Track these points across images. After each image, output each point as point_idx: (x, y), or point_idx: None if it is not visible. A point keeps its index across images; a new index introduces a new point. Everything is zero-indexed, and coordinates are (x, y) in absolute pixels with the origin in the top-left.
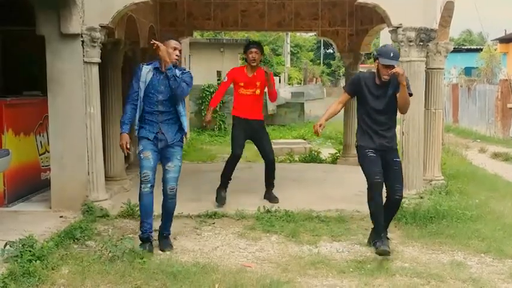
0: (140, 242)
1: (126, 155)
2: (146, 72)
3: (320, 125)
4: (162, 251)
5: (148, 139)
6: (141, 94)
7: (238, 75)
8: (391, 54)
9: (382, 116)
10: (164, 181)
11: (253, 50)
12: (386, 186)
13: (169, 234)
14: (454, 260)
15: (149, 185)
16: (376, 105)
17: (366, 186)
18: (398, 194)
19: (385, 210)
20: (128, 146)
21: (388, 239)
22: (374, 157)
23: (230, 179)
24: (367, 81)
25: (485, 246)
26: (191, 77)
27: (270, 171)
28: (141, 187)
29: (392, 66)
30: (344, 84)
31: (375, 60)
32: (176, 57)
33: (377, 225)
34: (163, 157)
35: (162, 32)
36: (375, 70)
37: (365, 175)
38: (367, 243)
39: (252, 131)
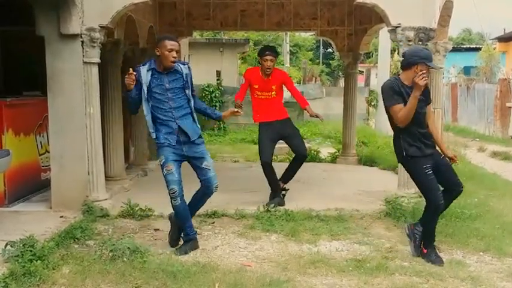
0: (183, 244)
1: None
2: (145, 73)
3: None
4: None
5: (170, 145)
6: (146, 96)
7: (253, 77)
8: (432, 56)
9: (422, 118)
10: (207, 181)
11: (269, 58)
12: (447, 184)
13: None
14: (453, 259)
15: (179, 198)
16: (419, 108)
17: (426, 206)
18: (460, 186)
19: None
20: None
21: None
22: (433, 175)
23: (278, 183)
24: (400, 88)
25: (484, 245)
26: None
27: (295, 164)
28: (172, 202)
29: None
30: (344, 84)
31: (410, 66)
32: (173, 59)
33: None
34: (192, 158)
35: (161, 32)
36: (396, 77)
37: (427, 196)
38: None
39: (279, 132)
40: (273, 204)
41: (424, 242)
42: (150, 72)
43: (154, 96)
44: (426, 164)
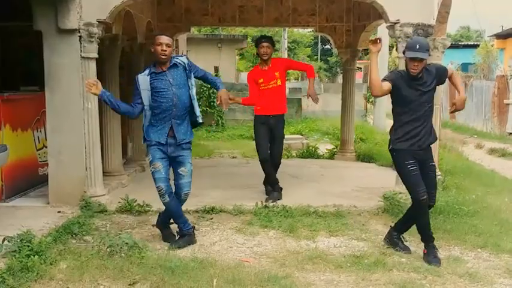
0: (178, 238)
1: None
2: (143, 81)
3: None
4: (165, 241)
5: (158, 143)
6: (148, 102)
7: (255, 75)
8: (417, 46)
9: (419, 111)
10: (178, 186)
11: (265, 44)
12: None
13: (171, 223)
14: (450, 255)
15: (167, 195)
16: (414, 100)
17: (410, 201)
18: (432, 201)
19: (409, 214)
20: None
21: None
22: (416, 171)
23: (275, 180)
24: (401, 81)
25: (481, 241)
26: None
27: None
28: (161, 200)
29: (419, 59)
30: (342, 80)
31: (404, 54)
32: (162, 52)
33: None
34: (174, 161)
35: (159, 27)
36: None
37: (409, 191)
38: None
39: (271, 129)
40: (271, 200)
41: (423, 241)
42: (149, 77)
43: (160, 94)
44: (409, 160)
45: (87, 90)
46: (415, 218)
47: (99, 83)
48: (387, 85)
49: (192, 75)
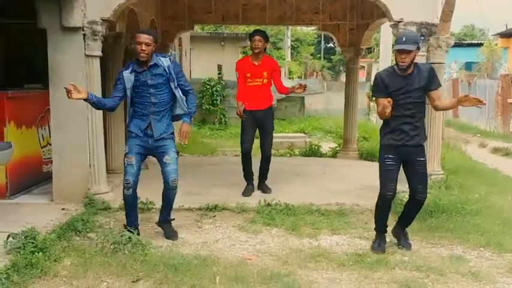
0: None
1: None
2: (128, 79)
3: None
4: (167, 238)
5: (137, 135)
6: (129, 95)
7: (244, 66)
8: (404, 39)
9: (406, 107)
10: (165, 174)
11: (256, 38)
12: (409, 186)
13: (172, 219)
14: (453, 254)
15: (131, 189)
16: (401, 99)
17: (378, 190)
18: (420, 195)
19: (406, 209)
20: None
21: (407, 240)
22: (392, 167)
23: (253, 175)
24: (386, 79)
25: (484, 240)
26: (180, 68)
27: (263, 164)
28: (124, 191)
29: (406, 51)
30: (345, 79)
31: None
32: (141, 51)
33: (378, 225)
34: (156, 152)
35: (163, 25)
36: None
37: (380, 183)
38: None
39: (259, 121)
40: (248, 195)
41: (375, 230)
42: (133, 74)
43: (137, 92)
44: (388, 154)
45: (69, 96)
46: (377, 209)
47: (80, 87)
48: (384, 99)
49: (175, 79)
